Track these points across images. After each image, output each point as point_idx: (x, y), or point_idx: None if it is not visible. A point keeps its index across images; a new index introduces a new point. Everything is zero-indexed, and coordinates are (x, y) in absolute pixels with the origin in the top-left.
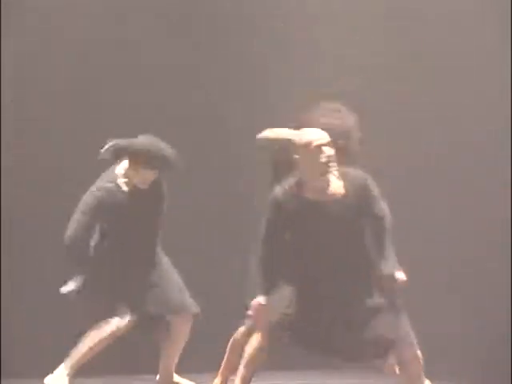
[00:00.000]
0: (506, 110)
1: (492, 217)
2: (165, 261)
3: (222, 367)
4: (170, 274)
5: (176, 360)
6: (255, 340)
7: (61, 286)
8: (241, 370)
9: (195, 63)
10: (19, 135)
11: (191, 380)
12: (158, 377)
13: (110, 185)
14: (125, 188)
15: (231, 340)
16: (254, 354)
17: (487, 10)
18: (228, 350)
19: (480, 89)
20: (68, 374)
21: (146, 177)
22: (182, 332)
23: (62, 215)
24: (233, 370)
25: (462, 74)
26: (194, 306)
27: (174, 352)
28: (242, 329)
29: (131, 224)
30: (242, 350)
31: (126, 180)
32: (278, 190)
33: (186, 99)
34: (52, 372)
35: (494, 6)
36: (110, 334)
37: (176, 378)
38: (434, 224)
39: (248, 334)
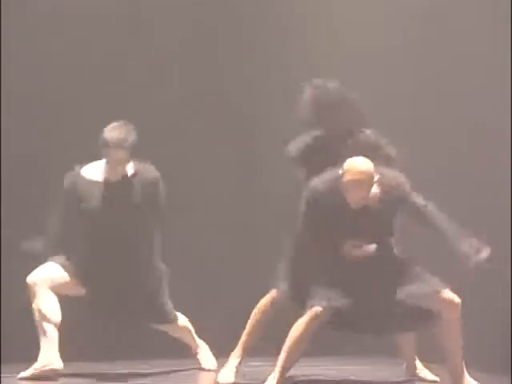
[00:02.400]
0: (506, 110)
1: (492, 215)
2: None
3: (242, 339)
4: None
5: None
6: (300, 326)
7: None
8: (282, 354)
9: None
10: (18, 134)
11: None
12: None
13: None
14: (94, 178)
15: (253, 311)
16: (298, 340)
17: (487, 10)
18: (250, 320)
19: (480, 89)
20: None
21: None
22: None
23: None
24: (253, 341)
25: (463, 73)
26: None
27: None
28: (263, 301)
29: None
30: (263, 320)
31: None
32: (317, 182)
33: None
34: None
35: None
36: None
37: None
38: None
39: (270, 304)
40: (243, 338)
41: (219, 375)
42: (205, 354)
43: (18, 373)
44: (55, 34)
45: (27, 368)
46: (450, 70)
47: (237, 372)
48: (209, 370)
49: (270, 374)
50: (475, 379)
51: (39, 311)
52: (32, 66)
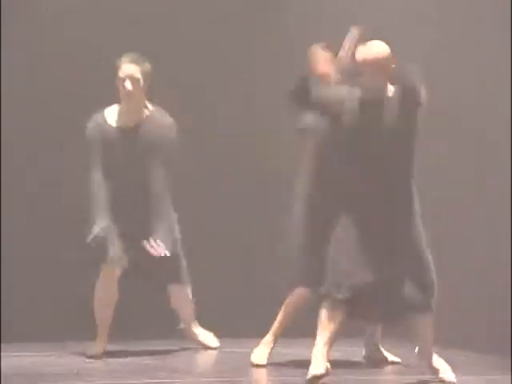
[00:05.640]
0: (506, 110)
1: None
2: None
3: (274, 325)
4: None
5: (191, 312)
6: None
7: (59, 249)
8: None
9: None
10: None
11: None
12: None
13: (96, 117)
14: (112, 123)
15: (286, 300)
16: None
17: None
18: (282, 309)
19: (480, 90)
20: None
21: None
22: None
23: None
24: (283, 328)
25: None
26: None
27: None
28: (297, 290)
29: (116, 164)
30: (294, 310)
31: (114, 115)
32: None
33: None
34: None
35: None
36: None
37: (196, 327)
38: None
39: (302, 296)
40: (275, 326)
41: (253, 356)
42: (205, 334)
43: (18, 352)
44: (55, 30)
45: (27, 347)
46: (448, 69)
47: (269, 356)
48: (213, 348)
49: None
50: (475, 361)
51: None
52: (33, 64)
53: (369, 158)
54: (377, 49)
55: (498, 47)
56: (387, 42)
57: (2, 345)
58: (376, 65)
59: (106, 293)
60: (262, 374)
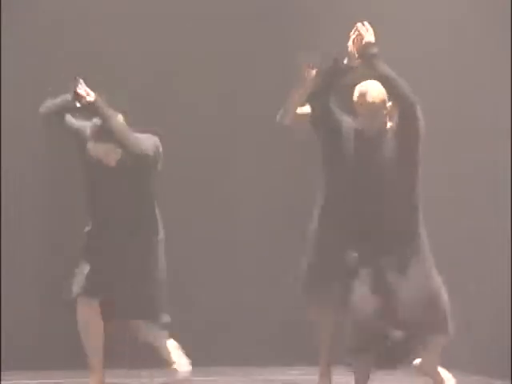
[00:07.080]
0: (506, 110)
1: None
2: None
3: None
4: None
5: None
6: None
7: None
8: None
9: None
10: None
11: None
12: None
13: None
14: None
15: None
16: None
17: (487, 13)
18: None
19: (480, 90)
20: None
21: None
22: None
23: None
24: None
25: (463, 75)
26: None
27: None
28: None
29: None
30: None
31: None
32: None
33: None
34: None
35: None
36: None
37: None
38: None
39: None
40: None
41: None
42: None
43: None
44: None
45: (27, 375)
46: (449, 69)
47: None
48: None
49: None
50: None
51: None
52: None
53: (366, 188)
54: (374, 93)
55: (497, 47)
56: (387, 43)
57: (2, 373)
58: (374, 108)
59: (90, 323)
60: None
